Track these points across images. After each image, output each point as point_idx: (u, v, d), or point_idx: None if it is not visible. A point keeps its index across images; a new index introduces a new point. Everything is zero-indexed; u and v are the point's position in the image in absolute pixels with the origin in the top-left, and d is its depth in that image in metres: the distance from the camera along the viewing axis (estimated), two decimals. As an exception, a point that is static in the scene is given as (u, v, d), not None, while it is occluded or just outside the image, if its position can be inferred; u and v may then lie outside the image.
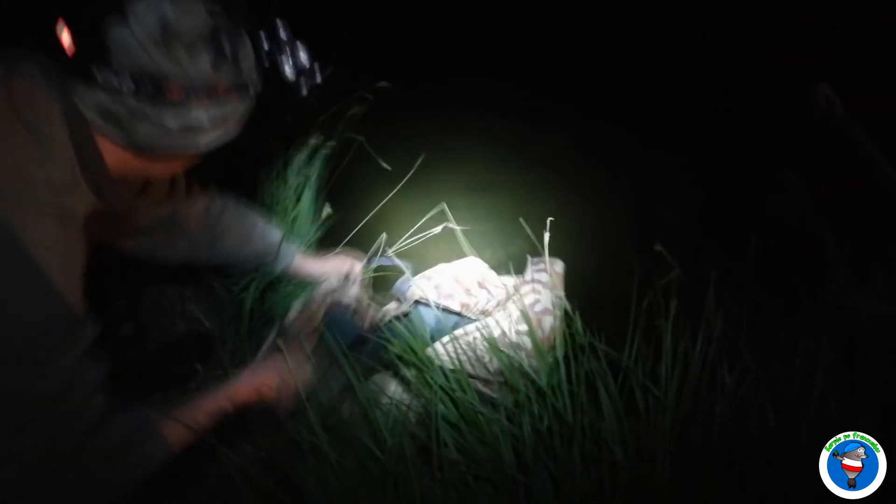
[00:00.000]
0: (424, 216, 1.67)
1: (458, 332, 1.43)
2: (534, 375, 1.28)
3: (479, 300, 1.50)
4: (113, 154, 0.97)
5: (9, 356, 0.83)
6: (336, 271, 1.57)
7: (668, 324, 1.26)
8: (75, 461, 0.91)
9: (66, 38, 0.87)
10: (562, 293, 1.44)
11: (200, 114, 0.94)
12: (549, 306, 1.40)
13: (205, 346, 1.45)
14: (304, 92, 1.08)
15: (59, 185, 0.91)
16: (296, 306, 1.52)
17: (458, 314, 1.50)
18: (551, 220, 1.44)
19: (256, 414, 1.23)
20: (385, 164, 1.81)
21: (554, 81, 2.28)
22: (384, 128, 1.97)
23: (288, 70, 1.05)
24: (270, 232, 1.52)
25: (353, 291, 1.54)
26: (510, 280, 1.57)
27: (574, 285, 1.37)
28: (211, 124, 0.96)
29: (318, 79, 1.09)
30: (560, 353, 1.28)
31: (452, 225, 1.49)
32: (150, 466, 1.01)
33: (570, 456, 1.24)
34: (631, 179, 1.90)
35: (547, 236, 1.44)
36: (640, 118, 2.01)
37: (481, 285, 1.52)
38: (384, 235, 1.56)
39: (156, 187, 1.26)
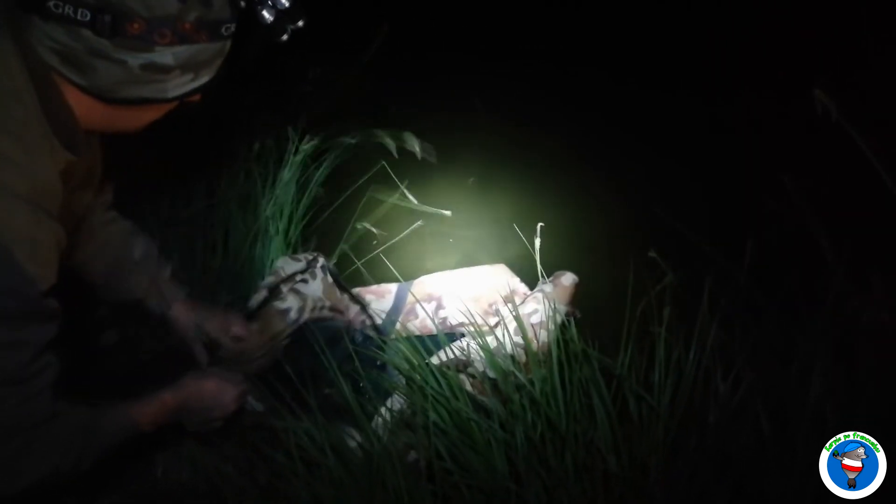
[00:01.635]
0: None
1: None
2: (527, 384, 1.26)
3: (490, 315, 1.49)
4: (77, 102, 0.90)
5: None
6: (218, 329, 1.38)
7: (661, 330, 1.25)
8: (23, 446, 0.90)
9: None
10: (563, 307, 1.41)
11: (165, 53, 0.85)
12: (545, 318, 1.38)
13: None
14: (285, 36, 0.97)
15: (21, 151, 0.85)
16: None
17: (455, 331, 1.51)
18: (542, 226, 1.44)
19: (194, 418, 1.22)
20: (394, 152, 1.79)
21: (549, 82, 2.27)
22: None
23: (266, 11, 0.93)
24: (155, 264, 1.35)
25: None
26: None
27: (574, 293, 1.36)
28: (178, 67, 0.88)
29: (301, 22, 0.97)
30: (554, 362, 1.26)
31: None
32: (91, 457, 0.99)
33: (562, 465, 1.22)
34: (625, 182, 1.89)
35: (538, 242, 1.44)
36: (635, 119, 1.99)
37: (507, 298, 1.47)
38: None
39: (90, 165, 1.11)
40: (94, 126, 0.96)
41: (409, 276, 1.61)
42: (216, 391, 1.22)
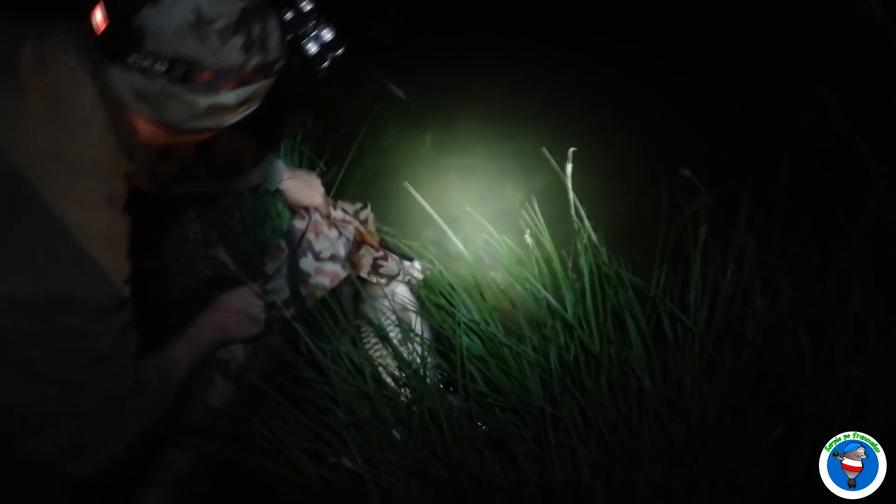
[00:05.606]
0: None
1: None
2: (560, 308, 1.26)
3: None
4: (143, 128, 1.00)
5: (67, 330, 0.91)
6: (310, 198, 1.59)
7: (696, 251, 1.23)
8: (120, 413, 1.01)
9: (102, 20, 0.89)
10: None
11: (229, 95, 0.97)
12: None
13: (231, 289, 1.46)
14: (326, 65, 1.09)
15: (99, 164, 0.95)
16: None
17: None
18: (574, 151, 1.40)
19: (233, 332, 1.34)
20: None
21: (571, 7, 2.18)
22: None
23: (311, 45, 1.06)
24: (271, 158, 1.57)
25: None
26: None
27: (600, 215, 1.33)
28: (238, 103, 0.99)
29: (341, 51, 1.10)
30: (587, 284, 1.25)
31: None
32: (171, 399, 1.13)
33: (597, 385, 1.23)
34: (653, 103, 1.82)
35: (570, 167, 1.40)
36: (660, 37, 1.91)
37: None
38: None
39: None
40: (156, 142, 1.06)
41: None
42: (240, 301, 1.35)
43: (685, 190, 1.29)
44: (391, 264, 1.60)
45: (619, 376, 1.22)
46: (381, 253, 1.61)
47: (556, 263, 1.33)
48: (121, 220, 0.99)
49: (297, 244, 1.51)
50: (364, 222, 1.66)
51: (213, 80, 0.94)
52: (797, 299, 1.17)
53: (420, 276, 1.61)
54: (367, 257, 1.60)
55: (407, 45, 2.12)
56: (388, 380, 1.32)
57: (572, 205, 1.43)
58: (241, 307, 1.36)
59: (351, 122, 1.96)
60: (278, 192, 1.60)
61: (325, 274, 1.50)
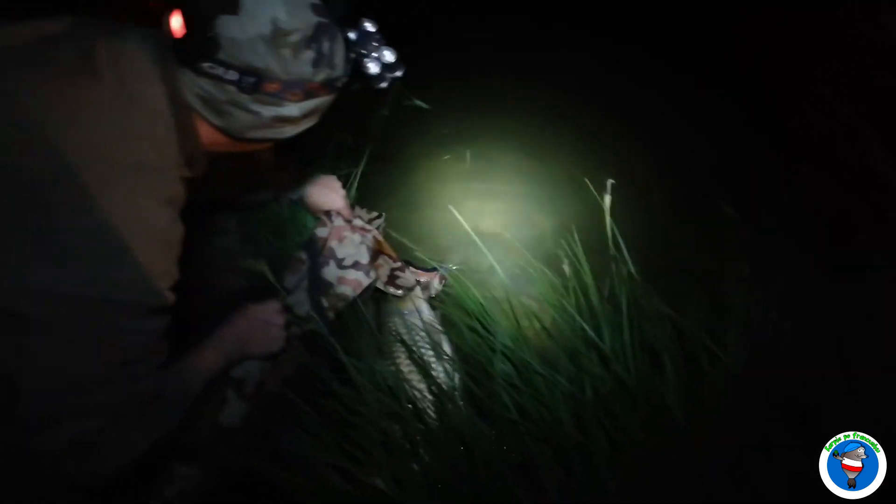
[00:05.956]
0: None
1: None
2: (597, 339, 1.26)
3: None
4: (205, 134, 1.02)
5: (106, 326, 0.90)
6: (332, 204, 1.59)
7: (735, 285, 1.23)
8: (135, 419, 0.98)
9: (179, 26, 0.92)
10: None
11: (293, 107, 0.99)
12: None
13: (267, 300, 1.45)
14: (386, 84, 1.10)
15: (165, 163, 0.96)
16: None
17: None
18: (612, 183, 1.41)
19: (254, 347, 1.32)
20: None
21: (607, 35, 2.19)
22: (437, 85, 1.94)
23: (373, 65, 1.07)
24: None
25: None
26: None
27: (638, 246, 1.33)
28: (301, 116, 1.01)
29: (400, 73, 1.11)
30: (625, 316, 1.25)
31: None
32: (182, 413, 1.10)
33: (630, 419, 1.22)
34: (694, 134, 1.81)
35: (608, 198, 1.41)
36: (706, 68, 1.91)
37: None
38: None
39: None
40: (215, 150, 1.07)
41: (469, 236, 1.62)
42: (261, 318, 1.34)
43: (724, 223, 1.30)
44: (408, 276, 1.59)
45: (652, 411, 1.22)
46: (398, 264, 1.60)
47: (593, 293, 1.33)
48: (178, 225, 1.00)
49: (319, 253, 1.50)
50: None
51: (281, 92, 0.96)
52: (834, 340, 1.17)
53: (439, 288, 1.61)
54: (384, 268, 1.59)
55: (435, 58, 2.13)
56: (418, 397, 1.32)
57: (609, 235, 1.44)
58: (263, 323, 1.35)
59: (373, 134, 1.97)
60: (299, 200, 1.61)
61: (348, 283, 1.48)
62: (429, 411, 1.29)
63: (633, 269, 1.29)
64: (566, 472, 1.22)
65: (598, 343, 1.26)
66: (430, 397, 1.31)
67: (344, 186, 1.66)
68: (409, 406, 1.26)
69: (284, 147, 1.48)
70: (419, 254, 1.69)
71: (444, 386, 1.31)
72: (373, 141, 1.88)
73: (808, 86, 1.62)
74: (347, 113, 1.13)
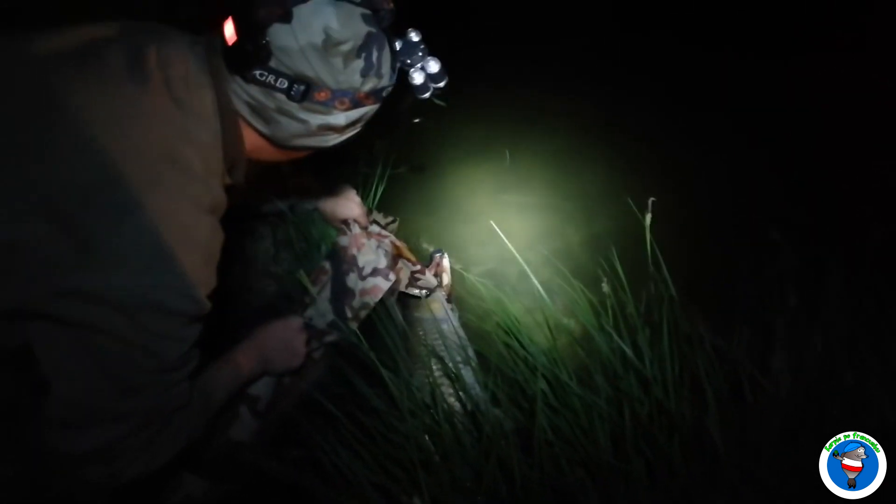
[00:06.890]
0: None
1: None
2: (637, 362, 1.24)
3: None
4: (250, 141, 1.02)
5: (146, 331, 0.89)
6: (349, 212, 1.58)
7: (782, 313, 1.21)
8: (162, 428, 0.98)
9: (232, 33, 0.92)
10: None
11: (340, 116, 0.99)
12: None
13: (296, 307, 1.44)
14: (430, 95, 1.10)
15: (210, 169, 0.96)
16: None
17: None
18: (653, 201, 1.38)
19: (276, 363, 1.32)
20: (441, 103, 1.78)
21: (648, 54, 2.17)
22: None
23: (417, 74, 1.07)
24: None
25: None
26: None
27: (678, 268, 1.31)
28: (347, 125, 1.01)
29: (444, 83, 1.10)
30: (665, 342, 1.23)
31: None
32: (205, 423, 1.10)
33: (670, 445, 1.20)
34: (738, 155, 1.79)
35: (649, 217, 1.38)
36: (739, 90, 1.89)
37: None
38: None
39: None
40: (258, 157, 1.08)
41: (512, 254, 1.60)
42: (283, 334, 1.34)
43: (770, 248, 1.28)
44: (429, 277, 1.61)
45: (693, 438, 1.19)
46: (418, 266, 1.62)
47: (633, 314, 1.31)
48: (219, 233, 0.99)
49: (343, 261, 1.50)
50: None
51: (330, 100, 0.96)
52: (885, 371, 1.15)
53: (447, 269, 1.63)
54: (404, 270, 1.61)
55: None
56: (454, 410, 1.30)
57: (649, 254, 1.41)
58: (284, 339, 1.35)
59: (399, 140, 1.95)
60: (316, 209, 1.61)
61: (369, 292, 1.49)
62: (465, 426, 1.27)
63: (673, 291, 1.26)
64: (605, 499, 1.20)
65: (637, 365, 1.24)
66: (462, 410, 1.29)
67: (365, 194, 1.65)
68: (447, 425, 1.23)
69: (319, 155, 1.48)
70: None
71: (479, 404, 1.29)
72: (398, 147, 1.86)
73: (863, 111, 1.61)
74: (377, 117, 1.11)
